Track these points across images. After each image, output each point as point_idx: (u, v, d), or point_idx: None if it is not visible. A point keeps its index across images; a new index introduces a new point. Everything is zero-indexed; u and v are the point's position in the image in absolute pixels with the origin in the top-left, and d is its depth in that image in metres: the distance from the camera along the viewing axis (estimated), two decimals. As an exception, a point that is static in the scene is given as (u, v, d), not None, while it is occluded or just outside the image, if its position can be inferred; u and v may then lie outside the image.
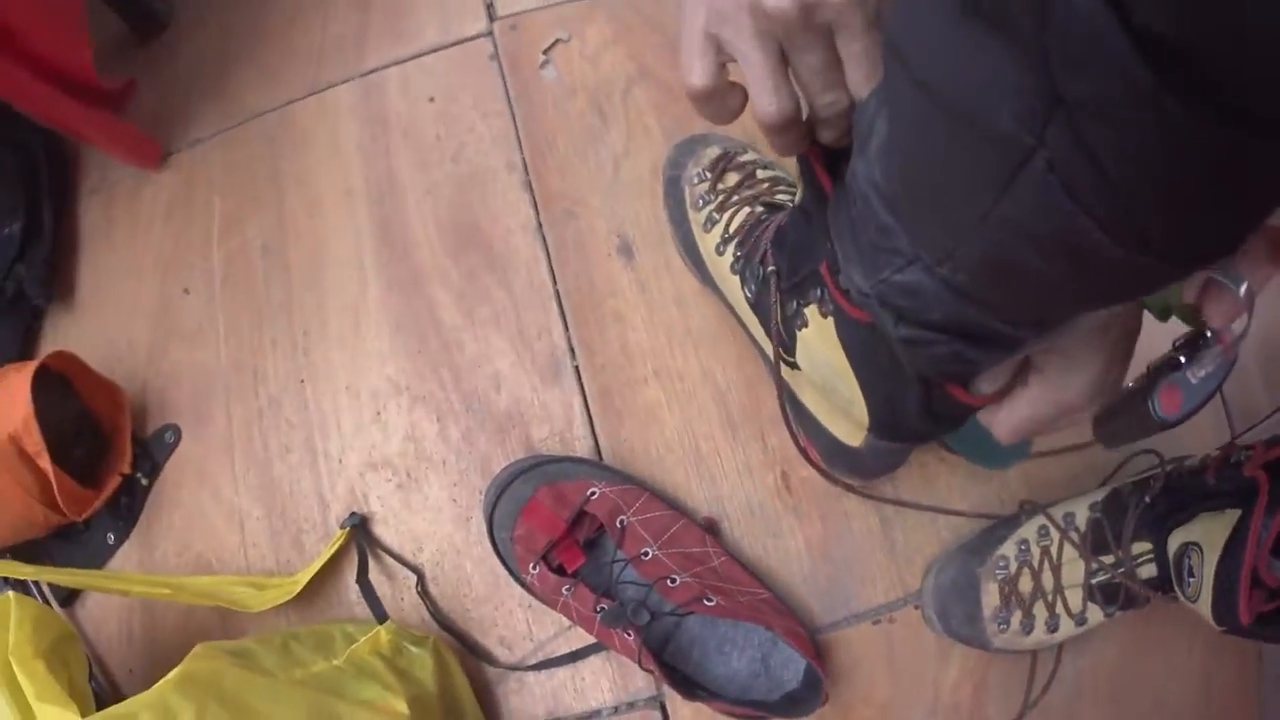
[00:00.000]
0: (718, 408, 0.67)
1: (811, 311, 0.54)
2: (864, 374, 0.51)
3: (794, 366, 0.59)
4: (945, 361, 0.39)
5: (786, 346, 0.58)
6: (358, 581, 0.69)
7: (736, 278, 0.65)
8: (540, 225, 0.72)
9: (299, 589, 0.70)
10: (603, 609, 0.64)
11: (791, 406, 0.63)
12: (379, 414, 0.72)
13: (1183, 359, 0.45)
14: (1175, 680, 0.75)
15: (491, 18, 0.83)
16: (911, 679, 0.68)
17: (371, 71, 0.84)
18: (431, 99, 0.80)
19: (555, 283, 0.71)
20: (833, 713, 0.67)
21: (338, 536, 0.71)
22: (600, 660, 0.68)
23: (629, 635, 0.63)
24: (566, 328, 0.69)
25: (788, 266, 0.56)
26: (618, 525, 0.65)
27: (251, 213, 0.82)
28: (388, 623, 0.66)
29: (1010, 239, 0.27)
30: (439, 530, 0.70)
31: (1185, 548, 0.59)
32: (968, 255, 0.31)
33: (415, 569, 0.71)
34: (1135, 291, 0.30)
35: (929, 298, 0.36)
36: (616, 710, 0.68)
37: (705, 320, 0.69)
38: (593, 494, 0.66)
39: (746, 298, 0.64)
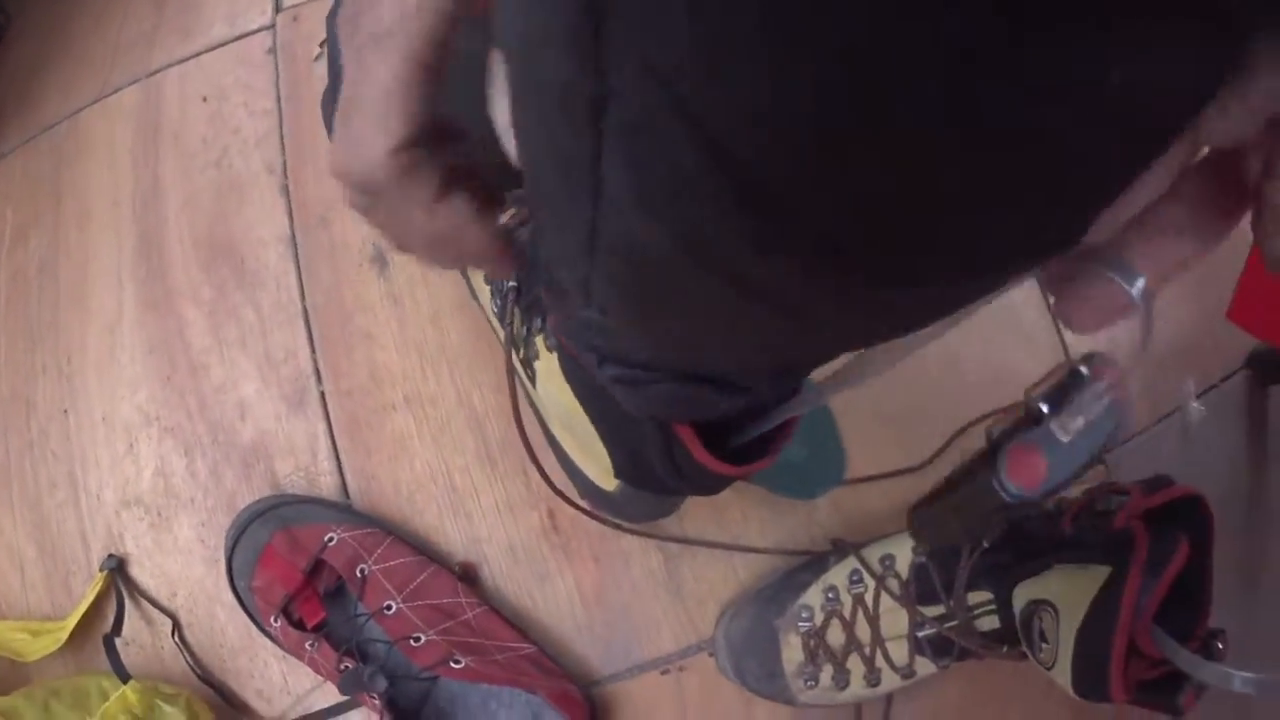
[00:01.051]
0: (475, 438, 0.52)
1: (539, 343, 0.38)
2: (598, 418, 0.36)
3: (540, 401, 0.43)
4: (669, 404, 0.27)
5: (531, 377, 0.42)
6: (104, 639, 0.54)
7: (487, 289, 0.48)
8: (293, 235, 0.56)
9: (66, 636, 0.56)
10: (345, 668, 0.49)
11: (549, 442, 0.47)
12: (132, 447, 0.57)
13: (1044, 408, 0.26)
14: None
15: (277, 9, 0.66)
16: None
17: (155, 72, 0.67)
18: (205, 99, 0.63)
19: (304, 299, 0.55)
20: (618, 775, 0.52)
21: (97, 580, 0.57)
22: (360, 716, 0.53)
23: (375, 698, 0.47)
24: (313, 349, 0.54)
25: (526, 282, 0.40)
26: (358, 575, 0.50)
27: (34, 228, 0.66)
28: (132, 683, 0.52)
29: (625, 257, 0.17)
30: (191, 574, 0.55)
31: (1035, 606, 0.43)
32: (599, 285, 0.20)
33: (171, 614, 0.56)
34: (872, 331, 0.21)
35: (615, 336, 0.24)
36: (382, 771, 0.52)
37: (463, 338, 0.52)
38: (330, 540, 0.50)
39: (494, 311, 0.48)
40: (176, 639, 0.56)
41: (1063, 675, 0.40)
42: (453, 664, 0.48)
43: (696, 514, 0.52)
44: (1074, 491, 0.46)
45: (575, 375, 0.35)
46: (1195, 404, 0.62)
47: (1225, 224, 0.18)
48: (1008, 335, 0.59)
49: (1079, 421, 0.25)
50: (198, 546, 0.55)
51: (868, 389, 0.57)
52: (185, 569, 0.56)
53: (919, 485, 0.56)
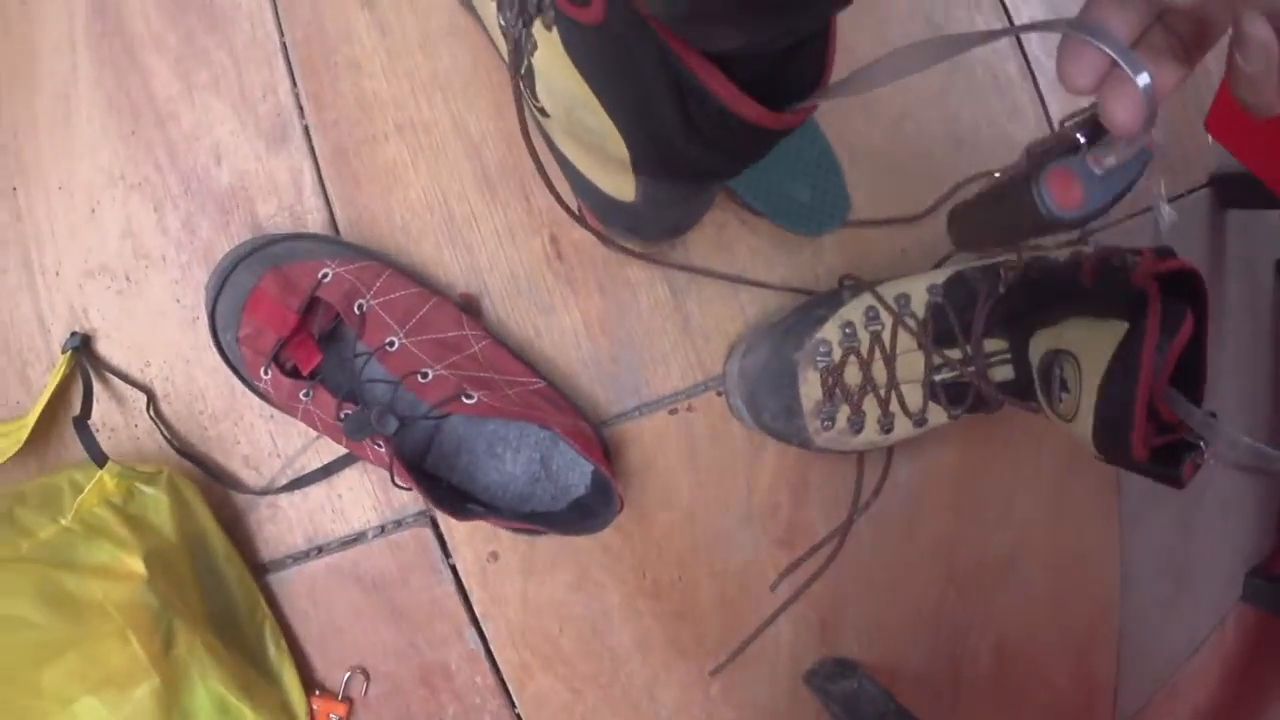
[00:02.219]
0: (472, 163, 0.49)
1: (538, 28, 0.35)
2: (604, 91, 0.33)
3: (543, 113, 0.40)
4: None
5: (531, 84, 0.39)
6: (74, 421, 0.50)
7: (493, 3, 0.45)
8: (267, -29, 0.52)
9: (27, 433, 0.52)
10: (346, 416, 0.46)
11: (558, 162, 0.45)
12: (93, 211, 0.53)
13: (1082, 138, 0.28)
14: (1024, 490, 0.60)
15: None
16: (719, 477, 0.51)
17: None
18: None
19: (282, 35, 0.51)
20: (628, 520, 0.51)
21: (59, 364, 0.52)
22: (357, 474, 0.50)
23: (379, 446, 0.45)
24: (294, 83, 0.50)
25: None
26: (356, 311, 0.47)
27: (-31, 9, 0.60)
28: (109, 465, 0.48)
29: None
30: (165, 339, 0.52)
31: (1055, 356, 0.42)
32: None
33: (144, 388, 0.52)
34: None
35: None
36: (383, 530, 0.50)
37: (456, 63, 0.50)
38: (325, 276, 0.47)
39: (500, 25, 0.45)
40: (152, 414, 0.52)
41: (1081, 428, 0.40)
42: (464, 399, 0.44)
43: (702, 249, 0.50)
44: (1085, 247, 0.45)
45: (580, 45, 0.32)
46: (1167, 206, 0.64)
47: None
48: (998, 105, 0.60)
49: (1110, 160, 0.28)
50: (172, 307, 0.52)
51: (870, 141, 0.57)
52: (159, 334, 0.52)
53: (918, 233, 0.55)
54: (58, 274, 0.54)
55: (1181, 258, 0.41)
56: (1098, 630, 0.65)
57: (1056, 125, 0.30)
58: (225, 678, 0.45)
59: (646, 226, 0.44)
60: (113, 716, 0.41)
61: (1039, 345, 0.44)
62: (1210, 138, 0.64)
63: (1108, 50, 0.23)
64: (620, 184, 0.39)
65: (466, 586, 0.52)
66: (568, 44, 0.32)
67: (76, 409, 0.52)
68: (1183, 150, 0.72)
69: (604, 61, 0.31)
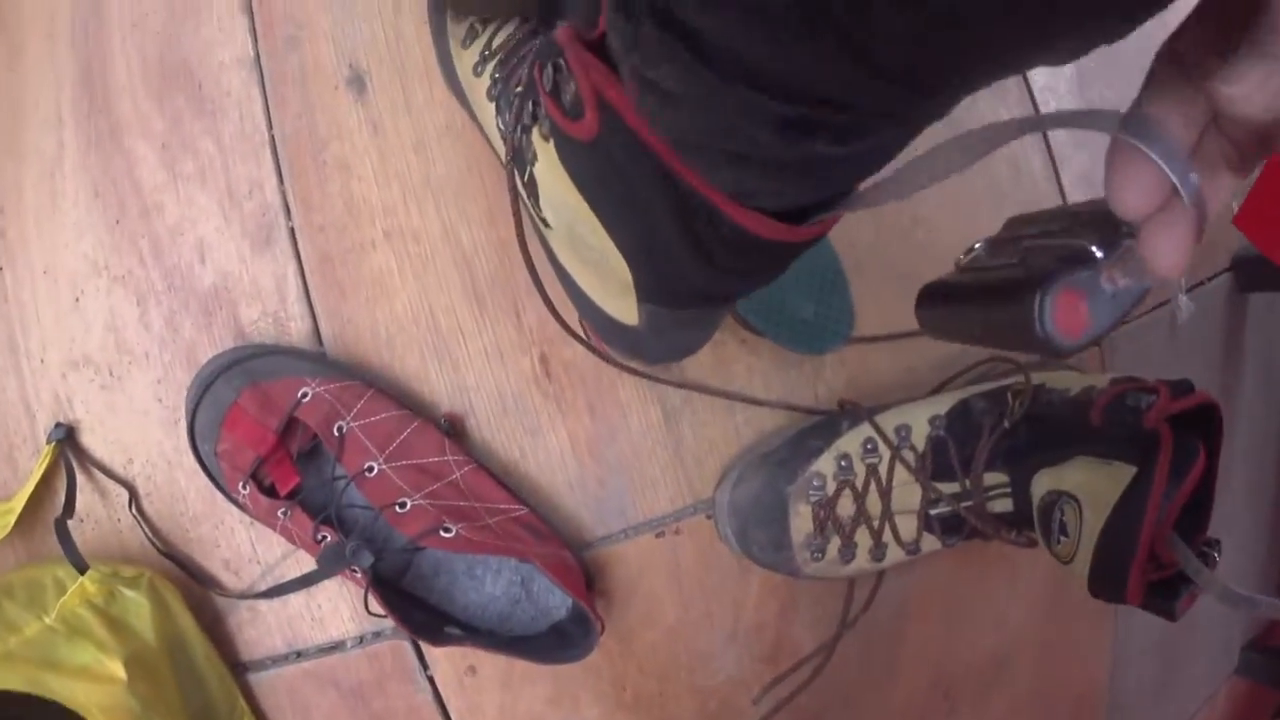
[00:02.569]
0: (461, 275, 0.47)
1: (536, 138, 0.33)
2: (603, 212, 0.31)
3: (545, 224, 0.38)
4: (716, 121, 0.22)
5: (535, 194, 0.37)
6: (55, 523, 0.49)
7: (492, 105, 0.43)
8: (258, 57, 0.50)
9: (14, 520, 0.52)
10: (323, 539, 0.45)
11: (559, 279, 0.42)
12: (78, 300, 0.52)
13: (1098, 252, 0.24)
14: (1018, 602, 0.58)
15: None
16: (705, 597, 0.50)
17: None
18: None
19: (271, 127, 0.49)
20: (610, 638, 0.49)
21: (44, 453, 0.52)
22: (336, 585, 0.49)
23: (356, 572, 0.44)
24: (281, 181, 0.48)
25: (528, 80, 0.34)
26: (335, 434, 0.46)
27: (-39, 70, 0.59)
28: (90, 572, 0.48)
29: None
30: (147, 437, 0.51)
31: (1057, 497, 0.41)
32: None
33: (127, 484, 0.51)
34: None
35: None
36: (362, 640, 0.49)
37: (450, 168, 0.47)
38: (305, 396, 0.46)
39: (500, 130, 0.43)
40: (134, 511, 0.51)
41: (1078, 571, 0.39)
42: (442, 533, 0.43)
43: (698, 367, 0.48)
44: (1100, 383, 0.43)
45: (574, 159, 0.30)
46: (1184, 298, 0.62)
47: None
48: (1018, 207, 0.56)
49: (1126, 278, 0.24)
50: (154, 407, 0.50)
51: (879, 252, 0.54)
52: (141, 433, 0.51)
53: (925, 350, 0.53)
54: (42, 361, 0.53)
55: (1200, 391, 0.40)
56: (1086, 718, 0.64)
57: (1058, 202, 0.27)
58: (204, 777, 0.45)
59: (651, 350, 0.42)
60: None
61: (1041, 484, 0.43)
62: (1233, 206, 0.62)
63: (1166, 170, 0.18)
64: (623, 306, 0.37)
65: (444, 698, 0.51)
66: (563, 158, 0.30)
67: (61, 497, 0.51)
68: (1207, 235, 0.69)
69: (601, 180, 0.28)
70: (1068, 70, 0.60)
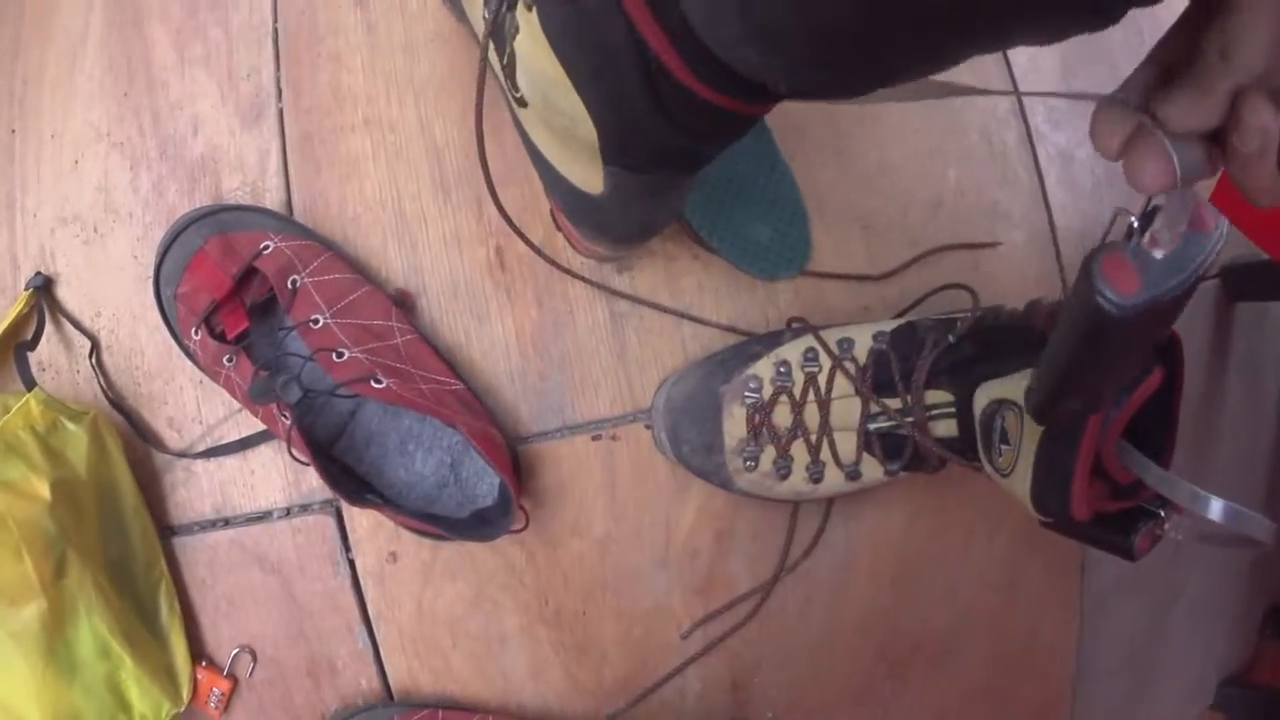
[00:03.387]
0: (431, 167, 0.50)
1: (520, 11, 0.36)
2: (575, 70, 0.34)
3: (520, 102, 0.41)
4: None
5: (512, 71, 0.40)
6: (16, 347, 0.51)
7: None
8: (276, -44, 0.54)
9: None
10: (253, 379, 0.46)
11: (530, 157, 0.45)
12: (77, 163, 0.55)
13: (1135, 224, 0.27)
14: (973, 568, 0.57)
15: None
16: (637, 513, 0.50)
17: None
18: None
19: (276, 19, 0.53)
20: (537, 541, 0.50)
21: (20, 299, 0.54)
22: (272, 451, 0.51)
23: (286, 417, 0.45)
24: (278, 67, 0.52)
25: None
26: (288, 286, 0.48)
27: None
28: (37, 392, 0.49)
29: None
30: (119, 292, 0.53)
31: (998, 405, 0.40)
32: None
33: (91, 336, 0.53)
34: None
35: None
36: (289, 513, 0.50)
37: (434, 69, 0.51)
38: (266, 248, 0.48)
39: (484, 18, 0.46)
40: (93, 361, 0.53)
41: (1021, 483, 0.37)
42: (373, 382, 0.44)
43: (649, 279, 0.50)
44: (1048, 300, 0.43)
45: (554, 21, 0.33)
46: None
47: None
48: (989, 172, 0.58)
49: (1165, 236, 0.26)
50: (130, 263, 0.53)
51: (842, 192, 0.56)
52: (114, 287, 0.53)
53: (882, 292, 0.54)
54: (35, 216, 0.56)
55: None
56: (1045, 727, 0.61)
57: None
58: (111, 622, 0.45)
59: (614, 223, 0.43)
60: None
61: (984, 396, 0.40)
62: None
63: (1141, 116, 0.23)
64: (589, 175, 0.39)
65: (363, 583, 0.51)
66: (544, 23, 0.33)
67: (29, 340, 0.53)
68: None
69: (577, 38, 0.32)
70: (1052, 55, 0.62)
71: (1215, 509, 0.30)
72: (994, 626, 0.57)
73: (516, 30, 0.37)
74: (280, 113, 0.51)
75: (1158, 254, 0.26)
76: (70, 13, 0.59)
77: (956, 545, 0.56)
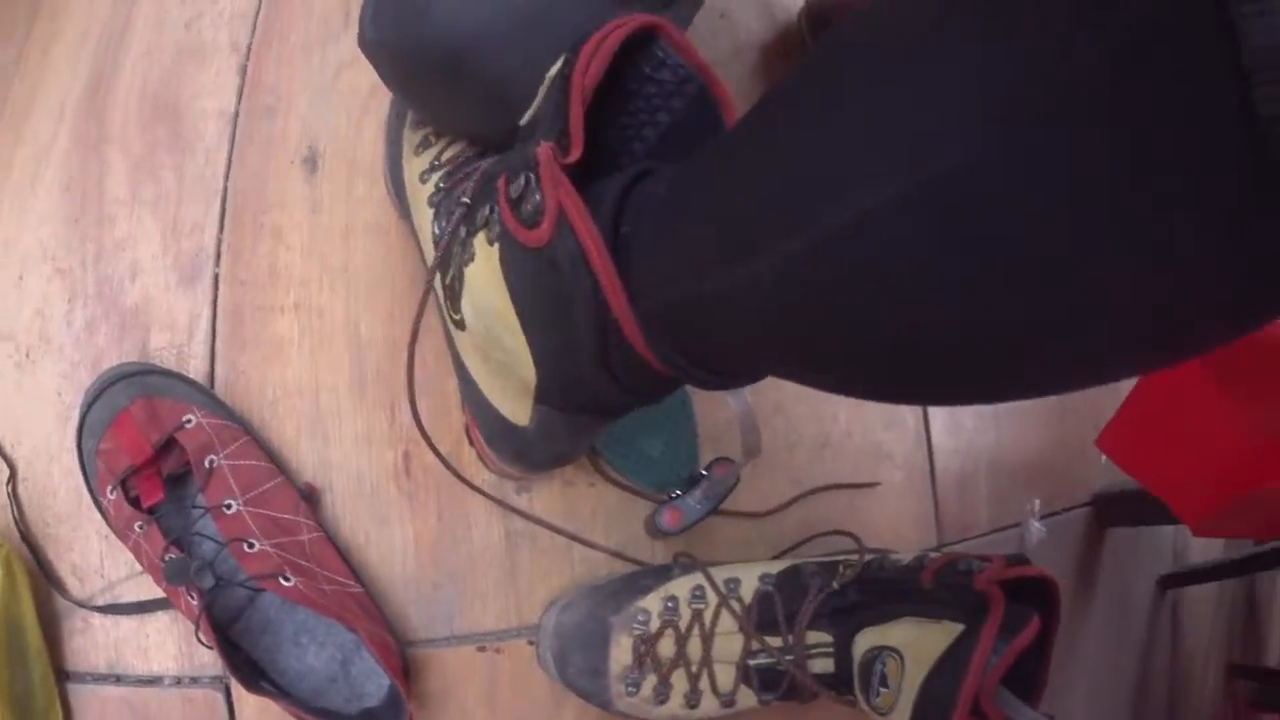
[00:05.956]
0: (352, 362, 0.50)
1: (480, 241, 0.37)
2: (529, 315, 0.35)
3: (459, 324, 0.41)
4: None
5: (456, 294, 0.40)
6: None
7: (431, 211, 0.47)
8: (237, 114, 0.54)
9: None
10: (168, 559, 0.47)
11: (460, 378, 0.45)
12: (21, 278, 0.56)
13: (679, 492, 0.49)
14: None
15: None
16: None
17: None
18: (199, -42, 0.61)
19: (227, 178, 0.53)
20: (414, 742, 0.50)
21: (-51, 408, 0.54)
22: (169, 620, 0.51)
23: (193, 599, 0.46)
24: (221, 229, 0.52)
25: (477, 192, 0.38)
26: (206, 465, 0.48)
27: (2, 40, 0.64)
28: None
29: None
30: (40, 425, 0.54)
31: (879, 652, 0.42)
32: None
33: (10, 463, 0.54)
34: None
35: None
36: (179, 682, 0.51)
37: (369, 262, 0.51)
38: (189, 421, 0.49)
39: (434, 235, 0.46)
40: (9, 489, 0.54)
41: None
42: (282, 580, 0.45)
43: (546, 501, 0.50)
44: (937, 550, 0.45)
45: (517, 265, 0.33)
46: (1037, 523, 0.64)
47: None
48: (879, 415, 0.60)
49: (698, 497, 0.48)
50: (54, 399, 0.53)
51: (736, 429, 0.56)
52: (36, 419, 0.54)
53: (765, 529, 0.55)
54: (-25, 322, 0.56)
55: (1037, 566, 0.40)
56: None
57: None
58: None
59: (533, 453, 0.44)
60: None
61: (864, 641, 0.43)
62: (1102, 456, 0.65)
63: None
64: (518, 408, 0.40)
65: None
66: (505, 261, 0.34)
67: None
68: (1066, 467, 0.71)
69: (537, 286, 0.32)
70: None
71: None
72: None
73: (471, 258, 0.37)
74: (216, 279, 0.51)
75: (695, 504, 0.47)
76: (42, 117, 0.59)
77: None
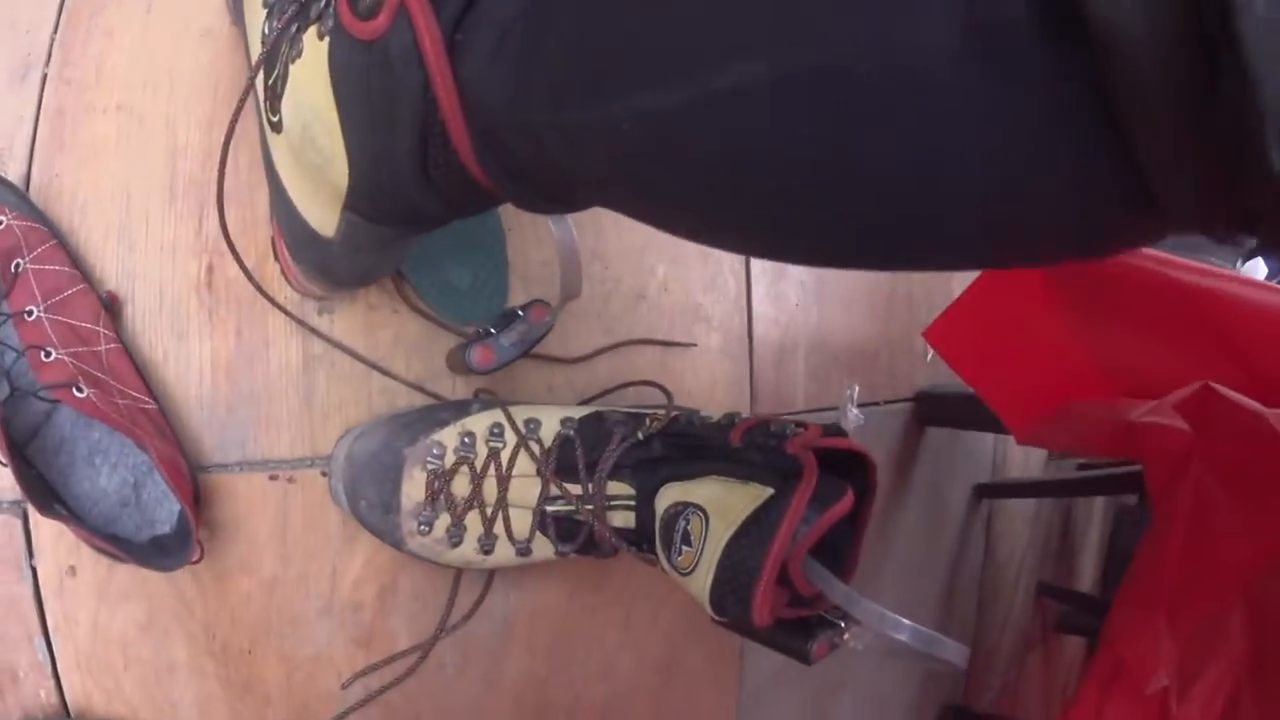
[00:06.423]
0: (166, 168, 0.47)
1: (310, 36, 0.35)
2: (351, 113, 0.33)
3: (276, 127, 0.39)
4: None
5: (277, 94, 0.38)
6: None
7: (265, 11, 0.44)
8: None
9: None
10: None
11: (269, 179, 0.43)
12: None
13: (494, 330, 0.45)
14: (630, 651, 0.55)
15: None
16: (305, 559, 0.48)
17: None
18: None
19: (72, -23, 0.50)
20: (208, 573, 0.48)
21: None
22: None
23: None
24: (55, 29, 0.49)
25: None
26: (12, 269, 0.46)
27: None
28: None
29: None
30: None
31: (683, 508, 0.40)
32: None
33: None
34: None
35: None
36: (-25, 502, 0.49)
37: (196, 67, 0.48)
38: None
39: (264, 34, 0.43)
40: None
41: (698, 583, 0.37)
42: (76, 391, 0.43)
43: (347, 324, 0.47)
44: (746, 415, 0.41)
45: (345, 60, 0.32)
46: (855, 410, 0.61)
47: None
48: (701, 275, 0.58)
49: (511, 338, 0.45)
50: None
51: (550, 268, 0.54)
52: None
53: (571, 375, 0.53)
54: None
55: (853, 441, 0.38)
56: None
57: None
58: None
59: (337, 267, 0.42)
60: None
61: (667, 496, 0.41)
62: (928, 351, 0.62)
63: None
64: (325, 216, 0.38)
65: (43, 594, 0.49)
66: (333, 56, 0.32)
67: None
68: (890, 359, 0.66)
69: (364, 83, 0.31)
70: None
71: (905, 632, 0.32)
72: (653, 705, 0.57)
73: (299, 54, 0.35)
74: (44, 78, 0.49)
75: (506, 344, 0.46)
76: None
77: (616, 623, 0.55)
